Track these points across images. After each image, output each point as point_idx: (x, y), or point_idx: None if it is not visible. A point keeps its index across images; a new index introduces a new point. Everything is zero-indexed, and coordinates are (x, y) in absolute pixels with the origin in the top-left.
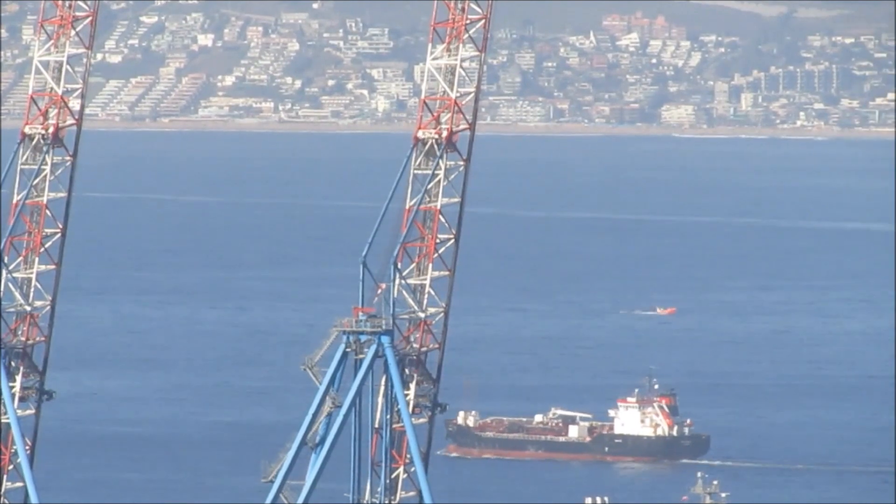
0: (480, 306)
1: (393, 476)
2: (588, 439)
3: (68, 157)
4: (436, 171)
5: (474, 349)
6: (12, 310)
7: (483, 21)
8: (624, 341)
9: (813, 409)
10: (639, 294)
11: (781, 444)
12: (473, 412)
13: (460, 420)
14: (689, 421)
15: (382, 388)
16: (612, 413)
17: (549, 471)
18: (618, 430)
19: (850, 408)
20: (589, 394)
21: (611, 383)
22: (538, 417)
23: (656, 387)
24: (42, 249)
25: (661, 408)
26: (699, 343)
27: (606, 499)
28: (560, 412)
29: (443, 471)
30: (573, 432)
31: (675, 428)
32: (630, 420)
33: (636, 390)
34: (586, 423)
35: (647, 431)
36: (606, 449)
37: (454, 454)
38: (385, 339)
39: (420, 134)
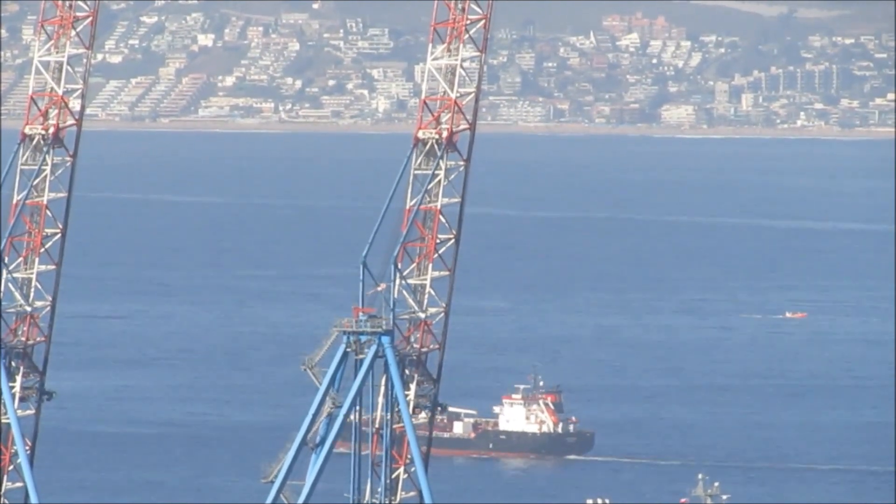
0: (478, 306)
1: (393, 476)
2: (473, 435)
3: (68, 158)
4: (436, 171)
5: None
6: (12, 310)
7: (483, 21)
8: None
9: (704, 404)
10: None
11: (680, 441)
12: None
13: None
14: (573, 418)
15: (383, 388)
16: (497, 410)
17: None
18: (503, 426)
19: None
20: (478, 392)
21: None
22: (423, 413)
23: (541, 384)
24: (42, 250)
25: (546, 405)
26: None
27: (608, 500)
28: (459, 410)
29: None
30: (458, 429)
31: (560, 425)
32: (515, 417)
33: (521, 387)
34: (471, 420)
35: (532, 428)
36: (491, 445)
37: (340, 450)
38: (385, 340)
39: (420, 134)
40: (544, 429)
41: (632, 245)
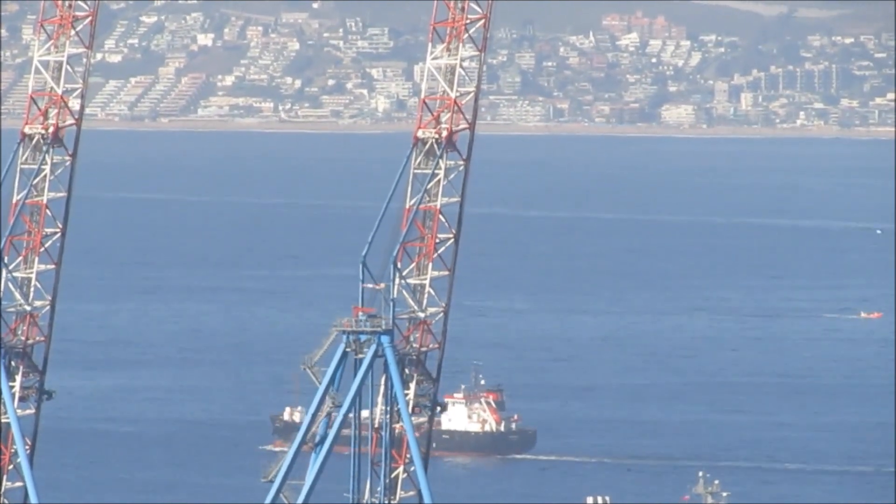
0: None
1: (392, 476)
2: (415, 434)
3: (68, 157)
4: (436, 171)
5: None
6: (12, 309)
7: (483, 21)
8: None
9: (651, 400)
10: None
11: (616, 439)
12: (300, 408)
13: (287, 416)
14: (515, 416)
15: (382, 387)
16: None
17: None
18: (444, 425)
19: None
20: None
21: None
22: (364, 413)
23: (482, 382)
24: (42, 249)
25: (487, 403)
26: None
27: (608, 498)
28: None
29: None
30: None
31: (503, 423)
32: (457, 416)
33: (462, 386)
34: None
35: (474, 427)
36: (434, 444)
37: (279, 449)
38: (385, 339)
39: (420, 133)
40: (486, 428)
41: (595, 243)
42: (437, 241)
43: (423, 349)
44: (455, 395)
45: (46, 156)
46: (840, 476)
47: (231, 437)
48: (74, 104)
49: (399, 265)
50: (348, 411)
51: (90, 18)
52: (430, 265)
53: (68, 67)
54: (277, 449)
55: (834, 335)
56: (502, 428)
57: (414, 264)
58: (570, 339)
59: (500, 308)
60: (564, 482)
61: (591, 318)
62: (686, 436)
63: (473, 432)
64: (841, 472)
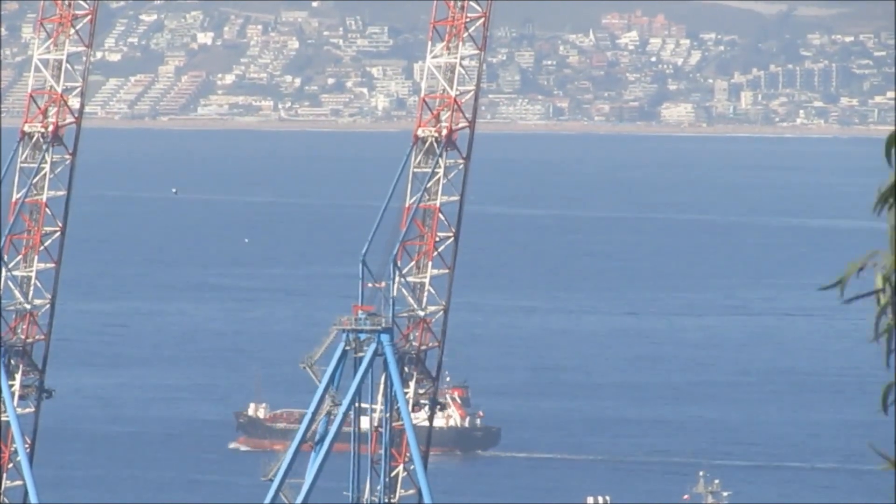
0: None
1: (392, 474)
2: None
3: (68, 156)
4: (435, 170)
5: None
6: (12, 308)
7: (482, 19)
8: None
9: (621, 399)
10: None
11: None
12: (264, 404)
13: (251, 412)
14: (480, 412)
15: (382, 386)
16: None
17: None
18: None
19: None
20: None
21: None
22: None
23: (448, 379)
24: (42, 248)
25: (453, 399)
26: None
27: (608, 498)
28: None
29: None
30: (364, 423)
31: (467, 419)
32: (421, 411)
33: None
34: (377, 415)
35: (439, 422)
36: (398, 440)
37: (244, 447)
38: (385, 338)
39: (420, 132)
40: (451, 423)
41: (574, 241)
42: (437, 239)
43: (423, 347)
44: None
45: (46, 154)
46: (840, 476)
47: (230, 435)
48: (74, 102)
49: (399, 263)
50: (348, 410)
51: (90, 17)
52: (430, 264)
53: (68, 66)
54: (242, 446)
55: (833, 333)
56: (467, 424)
57: (414, 263)
58: (540, 337)
59: (478, 304)
60: (533, 479)
61: (567, 316)
62: (652, 435)
63: (438, 428)
64: (842, 471)
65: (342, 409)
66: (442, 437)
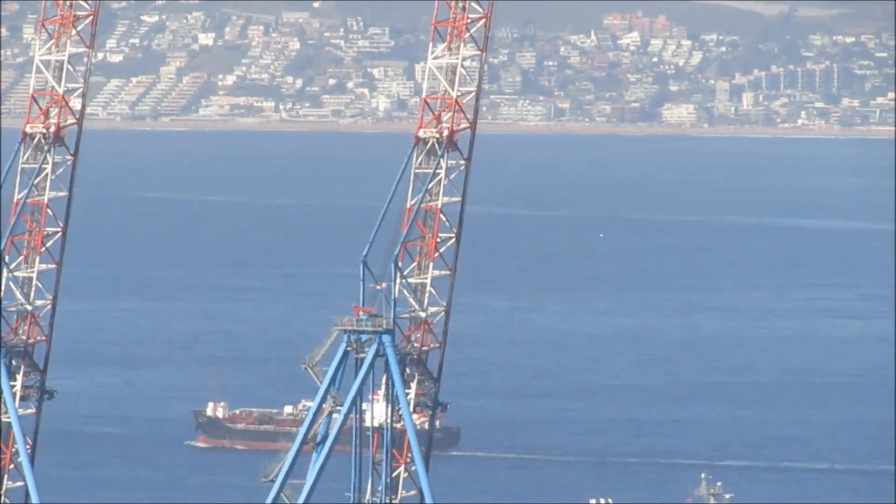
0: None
1: (394, 475)
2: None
3: (69, 156)
4: (437, 170)
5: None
6: (13, 309)
7: (484, 20)
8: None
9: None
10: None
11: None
12: (223, 403)
13: (210, 411)
14: (440, 413)
15: (383, 387)
16: (364, 406)
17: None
18: (368, 422)
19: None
20: None
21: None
22: (288, 409)
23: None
24: (43, 248)
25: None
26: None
27: (610, 500)
28: (309, 404)
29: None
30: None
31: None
32: (381, 412)
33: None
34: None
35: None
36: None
37: (203, 445)
38: (386, 338)
39: (421, 133)
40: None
41: (554, 240)
42: (438, 240)
43: (424, 348)
44: (378, 392)
45: (48, 155)
46: (840, 475)
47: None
48: (75, 103)
49: (400, 264)
50: (349, 411)
51: (91, 18)
52: (431, 265)
53: (69, 67)
54: (201, 444)
55: (833, 334)
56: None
57: (415, 264)
58: (540, 337)
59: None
60: (533, 479)
61: (567, 316)
62: (652, 435)
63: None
64: (843, 470)
65: (343, 410)
66: (401, 436)
